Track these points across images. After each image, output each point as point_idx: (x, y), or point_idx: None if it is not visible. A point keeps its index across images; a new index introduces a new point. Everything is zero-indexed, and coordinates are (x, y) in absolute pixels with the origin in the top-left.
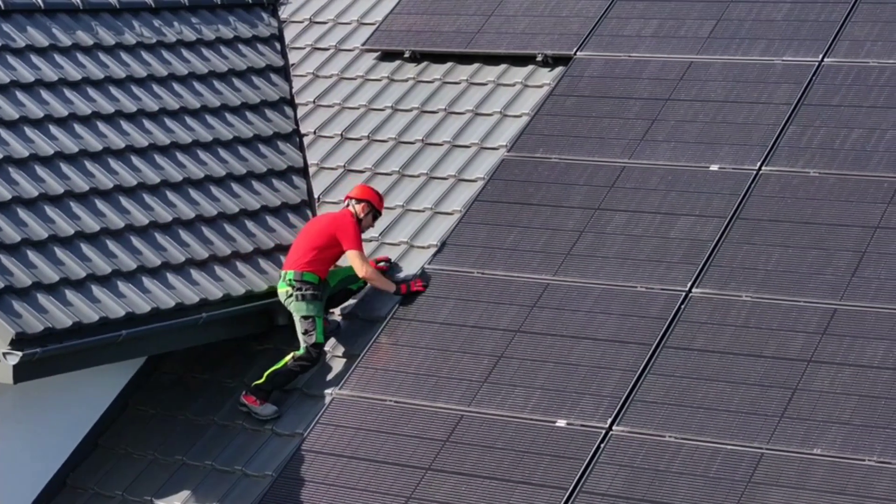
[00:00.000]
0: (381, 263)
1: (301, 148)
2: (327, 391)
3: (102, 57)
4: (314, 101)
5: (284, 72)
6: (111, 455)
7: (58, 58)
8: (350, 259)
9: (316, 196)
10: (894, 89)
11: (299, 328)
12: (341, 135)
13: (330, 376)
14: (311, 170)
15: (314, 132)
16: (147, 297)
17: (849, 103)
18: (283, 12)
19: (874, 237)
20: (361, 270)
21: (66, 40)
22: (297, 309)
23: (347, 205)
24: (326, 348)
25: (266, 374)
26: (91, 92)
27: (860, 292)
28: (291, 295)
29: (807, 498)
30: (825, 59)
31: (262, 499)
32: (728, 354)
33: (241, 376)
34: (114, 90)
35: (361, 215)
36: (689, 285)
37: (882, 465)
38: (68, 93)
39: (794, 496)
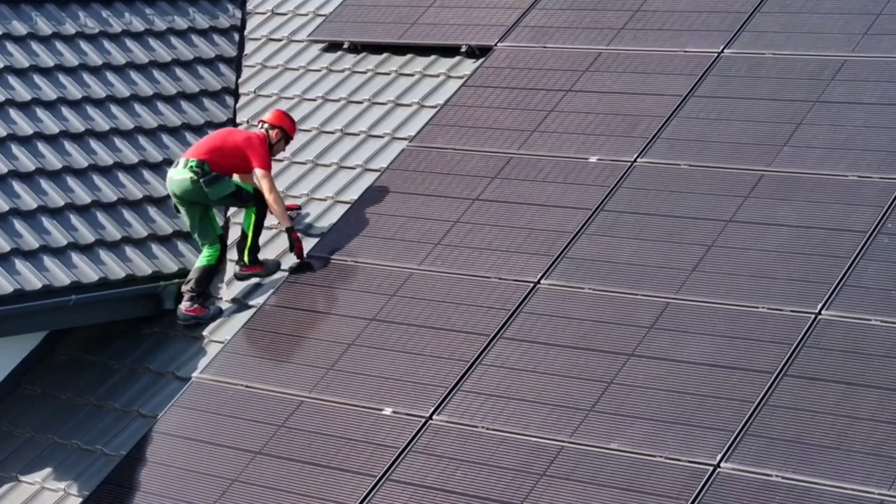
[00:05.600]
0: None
1: None
2: (194, 374)
3: (34, 46)
4: (255, 91)
5: (236, 63)
6: None
7: None
8: (258, 178)
9: None
10: (781, 80)
11: (232, 206)
12: None
13: (203, 360)
14: None
15: (247, 122)
16: (15, 278)
17: (735, 95)
18: (250, 3)
19: (724, 231)
20: (269, 192)
21: None
22: (213, 193)
23: (261, 128)
24: (205, 333)
25: (243, 257)
26: (11, 80)
27: (696, 286)
28: (197, 181)
29: (596, 494)
30: (725, 51)
31: (104, 479)
32: (557, 346)
33: (125, 358)
34: (37, 78)
35: (274, 140)
36: (538, 276)
37: (671, 462)
38: None
39: (585, 491)
